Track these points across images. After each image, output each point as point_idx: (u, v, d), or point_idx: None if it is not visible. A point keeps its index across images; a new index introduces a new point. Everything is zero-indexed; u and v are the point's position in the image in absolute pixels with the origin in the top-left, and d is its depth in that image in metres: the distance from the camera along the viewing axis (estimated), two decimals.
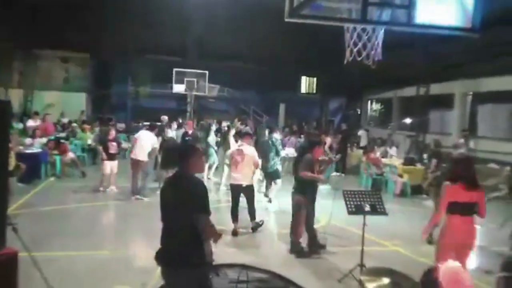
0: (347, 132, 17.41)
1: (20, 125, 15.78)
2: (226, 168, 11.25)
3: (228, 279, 3.50)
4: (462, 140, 12.73)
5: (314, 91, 25.70)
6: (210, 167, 12.68)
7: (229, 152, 10.24)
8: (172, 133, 13.10)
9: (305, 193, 6.80)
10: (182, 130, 13.43)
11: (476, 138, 15.18)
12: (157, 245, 3.63)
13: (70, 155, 12.81)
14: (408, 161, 12.93)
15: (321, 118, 24.45)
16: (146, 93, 24.01)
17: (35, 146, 12.40)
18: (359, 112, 25.13)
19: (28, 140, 12.64)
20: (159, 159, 11.12)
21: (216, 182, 12.07)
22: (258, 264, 3.72)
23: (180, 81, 18.70)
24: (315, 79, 25.47)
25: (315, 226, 7.15)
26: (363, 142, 17.60)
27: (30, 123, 15.86)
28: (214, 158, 12.72)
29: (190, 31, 19.72)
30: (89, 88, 22.10)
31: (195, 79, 18.76)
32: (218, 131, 15.34)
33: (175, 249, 3.46)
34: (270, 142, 10.10)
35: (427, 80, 17.08)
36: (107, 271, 5.97)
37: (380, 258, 6.61)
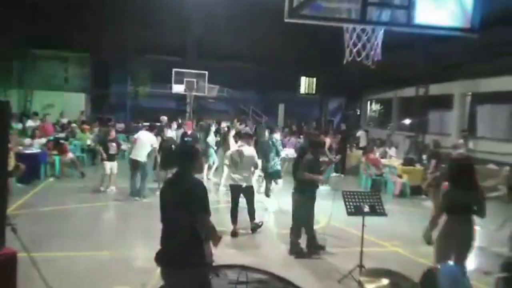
0: (347, 133, 17.42)
1: (20, 125, 15.76)
2: (225, 169, 11.25)
3: (228, 280, 3.50)
4: (461, 141, 12.73)
5: (314, 91, 25.69)
6: (209, 168, 12.68)
7: (228, 152, 10.24)
8: (172, 133, 13.09)
9: (305, 193, 6.81)
10: (181, 130, 13.43)
11: (476, 138, 15.18)
12: (157, 246, 3.63)
13: (70, 155, 12.81)
14: (408, 162, 12.93)
15: (321, 118, 24.46)
16: (146, 93, 24.00)
17: (35, 146, 12.39)
18: (358, 113, 25.14)
19: (27, 141, 12.63)
20: (159, 159, 11.11)
21: (215, 182, 12.07)
22: (257, 265, 3.72)
23: (179, 81, 18.68)
24: (314, 79, 25.47)
25: (315, 227, 7.16)
26: (362, 143, 17.60)
27: (30, 123, 15.87)
28: (214, 159, 12.72)
29: (189, 31, 19.72)
30: (89, 88, 22.09)
31: (194, 80, 18.73)
32: (217, 131, 15.33)
33: (175, 250, 3.46)
34: (270, 142, 10.10)
35: (426, 81, 17.10)
36: (106, 271, 5.97)
37: (379, 259, 6.62)
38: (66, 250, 6.64)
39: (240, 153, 7.96)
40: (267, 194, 10.20)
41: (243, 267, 3.55)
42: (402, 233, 8.28)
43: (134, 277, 5.72)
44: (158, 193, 3.83)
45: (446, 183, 5.00)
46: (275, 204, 9.93)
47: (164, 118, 15.17)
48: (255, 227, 8.01)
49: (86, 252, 6.60)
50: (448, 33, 5.32)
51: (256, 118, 24.34)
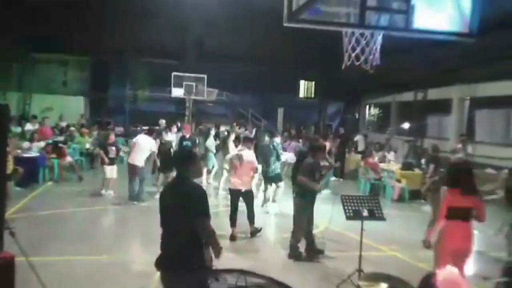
0: (345, 137, 17.43)
1: (18, 129, 15.74)
2: (225, 173, 11.26)
3: (227, 284, 3.49)
4: (460, 145, 12.71)
5: (313, 96, 25.70)
6: (209, 172, 12.67)
7: (228, 156, 10.24)
8: (172, 136, 13.09)
9: (305, 197, 6.81)
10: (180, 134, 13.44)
11: (474, 143, 15.19)
12: (156, 249, 3.63)
13: (68, 159, 12.79)
14: (406, 166, 12.93)
15: (319, 122, 24.46)
16: (145, 97, 24.00)
17: (33, 150, 12.37)
18: (357, 117, 25.16)
19: (26, 144, 12.61)
20: (158, 163, 11.11)
21: (215, 186, 12.06)
22: (256, 269, 3.71)
23: (178, 85, 18.69)
24: (313, 83, 25.48)
25: (314, 231, 7.15)
26: (360, 147, 17.61)
27: (28, 126, 15.85)
28: (213, 162, 12.71)
29: (188, 34, 19.72)
30: (87, 92, 22.08)
31: (193, 83, 18.75)
32: (217, 135, 15.34)
33: (174, 254, 3.46)
34: (271, 146, 10.11)
35: (425, 85, 17.11)
36: (105, 275, 5.95)
37: (378, 263, 6.61)
38: (65, 254, 6.63)
39: (239, 157, 7.96)
40: (273, 199, 10.17)
41: (242, 272, 3.54)
42: (400, 237, 8.27)
43: (133, 281, 5.70)
44: (156, 196, 3.84)
45: (445, 188, 4.99)
46: (275, 208, 9.93)
47: (162, 122, 15.18)
48: (254, 232, 7.99)
49: (84, 256, 6.58)
50: (446, 38, 5.33)
51: (255, 122, 24.35)
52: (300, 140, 16.94)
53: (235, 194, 7.93)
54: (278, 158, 10.03)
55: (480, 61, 13.39)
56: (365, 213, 5.79)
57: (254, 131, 18.17)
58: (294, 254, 6.90)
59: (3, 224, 4.05)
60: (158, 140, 11.39)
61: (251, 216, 7.97)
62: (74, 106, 20.84)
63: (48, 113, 18.58)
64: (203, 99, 20.14)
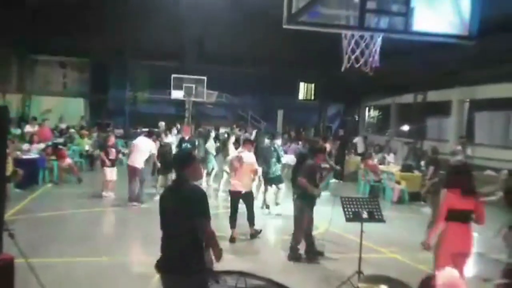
0: (345, 139, 17.43)
1: (18, 131, 15.74)
2: (225, 175, 11.26)
3: (227, 286, 3.50)
4: (459, 147, 12.72)
5: (312, 98, 25.72)
6: (209, 174, 12.67)
7: (228, 158, 10.25)
8: (172, 138, 13.08)
9: (306, 199, 6.82)
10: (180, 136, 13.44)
11: (473, 145, 15.20)
12: (156, 251, 3.63)
13: (68, 161, 12.79)
14: (406, 168, 12.94)
15: (319, 124, 24.47)
16: (144, 99, 24.00)
17: (33, 151, 12.37)
18: (357, 119, 25.17)
19: (25, 146, 12.61)
20: (158, 165, 11.11)
21: (215, 188, 12.06)
22: (256, 271, 3.71)
23: (178, 87, 18.70)
24: (313, 85, 25.50)
25: (314, 232, 7.15)
26: (360, 149, 17.61)
27: (28, 128, 15.83)
28: (213, 164, 12.71)
29: (188, 35, 19.72)
30: (87, 94, 22.09)
31: (193, 85, 18.75)
32: (216, 137, 15.35)
33: (175, 256, 3.46)
34: (272, 148, 10.11)
35: (424, 87, 17.14)
36: (105, 277, 5.95)
37: (377, 265, 6.61)
38: (64, 255, 6.62)
39: (240, 159, 7.96)
40: (276, 202, 10.15)
41: (242, 273, 3.54)
42: (400, 239, 8.27)
43: (133, 283, 5.71)
44: (156, 198, 3.84)
45: (444, 190, 4.99)
46: (276, 209, 9.93)
47: (162, 124, 15.18)
48: (254, 234, 7.99)
49: (84, 258, 6.58)
50: (446, 40, 5.33)
51: (255, 124, 24.35)
52: (300, 142, 16.94)
53: (235, 196, 7.93)
54: (278, 160, 10.04)
55: (480, 64, 13.41)
56: (365, 215, 5.79)
57: (254, 133, 18.17)
58: (293, 256, 6.90)
59: (2, 225, 4.05)
60: (157, 142, 11.41)
61: (251, 218, 7.96)
62: (74, 108, 20.83)
63: (47, 115, 18.55)
64: (203, 101, 20.16)
